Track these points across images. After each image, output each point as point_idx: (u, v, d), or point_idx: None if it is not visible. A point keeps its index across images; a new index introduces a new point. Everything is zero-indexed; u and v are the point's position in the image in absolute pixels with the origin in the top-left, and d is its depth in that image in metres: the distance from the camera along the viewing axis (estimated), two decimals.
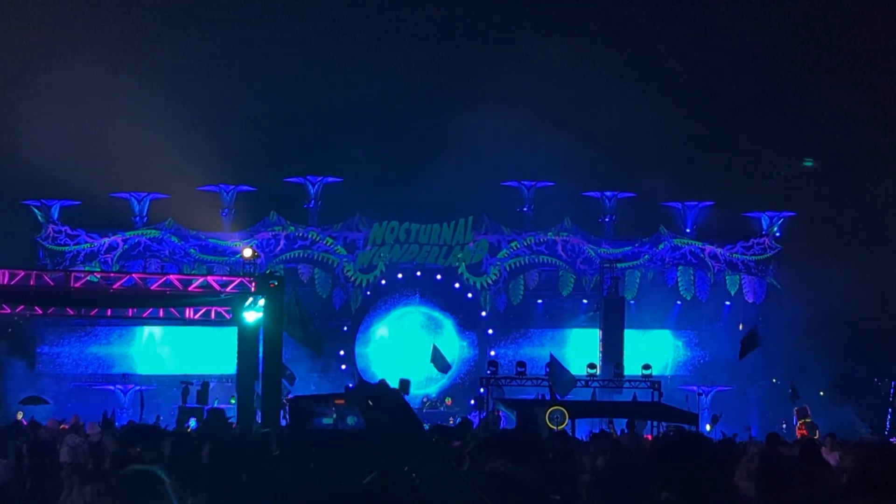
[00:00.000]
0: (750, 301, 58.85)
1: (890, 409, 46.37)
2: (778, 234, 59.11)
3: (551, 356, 45.44)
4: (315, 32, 59.37)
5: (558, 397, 43.09)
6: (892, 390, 47.52)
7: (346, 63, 59.52)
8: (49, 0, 52.27)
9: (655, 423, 39.87)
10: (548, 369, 45.35)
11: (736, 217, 59.68)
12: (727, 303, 59.14)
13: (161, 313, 40.64)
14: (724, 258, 58.84)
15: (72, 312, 41.20)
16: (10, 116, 49.18)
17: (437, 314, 58.66)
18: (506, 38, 60.94)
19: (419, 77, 59.29)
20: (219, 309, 39.09)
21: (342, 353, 57.41)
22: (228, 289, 36.55)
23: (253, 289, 36.07)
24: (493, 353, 57.23)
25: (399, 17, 60.49)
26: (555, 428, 34.50)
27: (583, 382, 46.62)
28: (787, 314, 53.71)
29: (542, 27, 59.52)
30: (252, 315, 36.40)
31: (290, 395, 42.40)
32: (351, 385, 54.03)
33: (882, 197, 53.89)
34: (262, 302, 35.55)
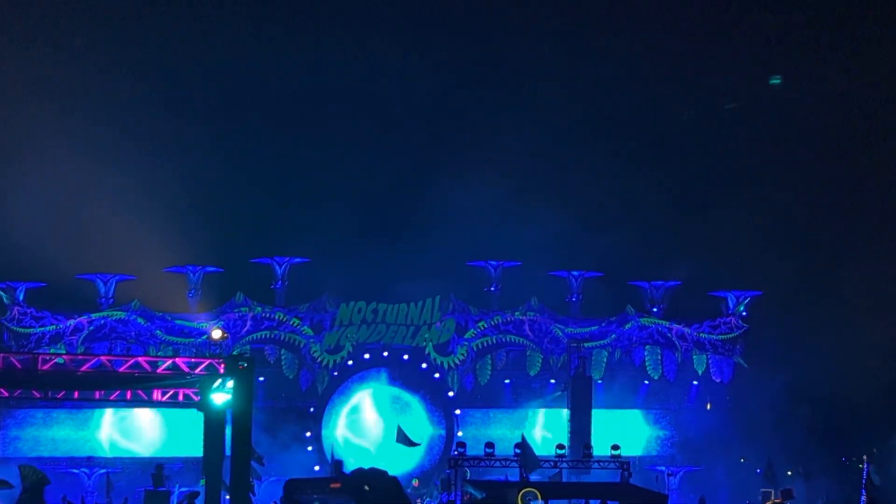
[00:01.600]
0: (717, 380, 58.94)
1: (864, 490, 46.29)
2: (744, 314, 59.35)
3: (523, 437, 45.26)
4: (282, 117, 59.75)
5: (528, 478, 42.93)
6: (864, 472, 47.51)
7: (312, 145, 59.89)
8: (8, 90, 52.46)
9: None
10: (518, 450, 45.12)
11: (702, 296, 59.94)
12: (695, 382, 59.19)
13: (128, 395, 40.34)
14: (691, 337, 58.96)
15: (38, 395, 40.76)
16: None
17: (404, 394, 58.42)
18: (472, 119, 61.34)
19: (386, 157, 59.64)
20: (186, 391, 38.85)
21: (308, 434, 57.00)
22: (197, 370, 36.40)
23: (221, 370, 35.93)
24: (460, 433, 57.04)
25: (364, 97, 60.95)
26: None
27: (551, 463, 46.41)
28: (755, 393, 53.86)
29: (507, 109, 60.03)
30: (220, 397, 36.20)
31: (261, 478, 42.14)
32: (318, 469, 53.83)
33: (848, 276, 54.40)
34: (230, 384, 35.40)
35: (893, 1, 60.10)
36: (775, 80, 60.13)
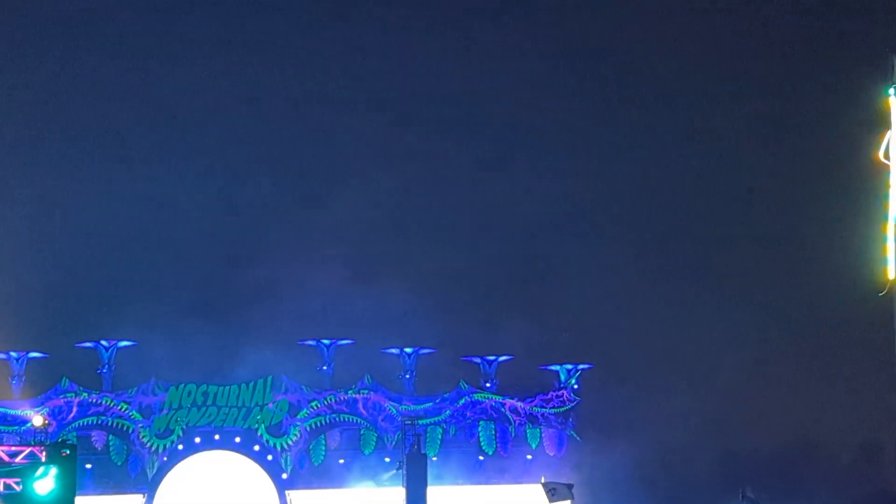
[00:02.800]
0: (551, 454, 59.29)
1: None
2: (576, 387, 59.95)
3: None
4: (100, 193, 59.03)
5: None
6: None
7: (140, 222, 59.24)
8: None
9: None
10: None
11: (534, 370, 60.46)
12: (529, 456, 59.42)
13: None
14: (524, 411, 59.30)
15: None
16: None
17: (236, 477, 57.46)
18: (303, 193, 61.26)
19: (213, 235, 59.14)
20: (7, 480, 37.63)
21: None
22: (18, 459, 35.38)
23: (44, 458, 34.98)
24: None
25: (191, 167, 60.54)
26: None
27: None
28: (589, 465, 54.28)
29: (337, 183, 60.09)
30: (44, 485, 35.16)
31: None
32: None
33: (675, 346, 55.43)
34: (53, 471, 34.44)
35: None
36: None
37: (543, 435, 59.43)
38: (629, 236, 60.16)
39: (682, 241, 61.17)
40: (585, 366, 60.40)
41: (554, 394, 59.85)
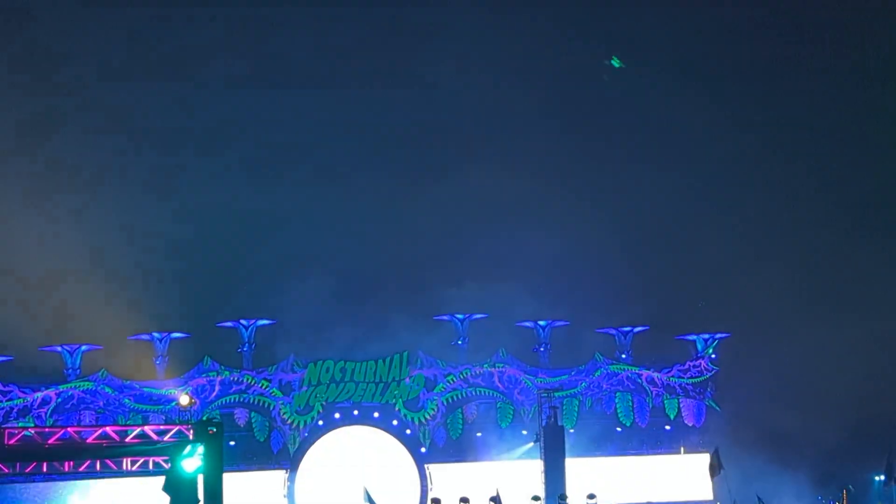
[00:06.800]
0: (690, 424, 58.97)
1: None
2: (713, 356, 59.47)
3: (496, 491, 45.04)
4: (243, 178, 59.81)
5: None
6: None
7: (271, 204, 59.96)
8: None
9: None
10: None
11: (671, 340, 60.08)
12: (667, 427, 59.15)
13: (98, 466, 39.91)
14: (661, 382, 59.04)
15: (6, 470, 40.25)
16: None
17: (375, 452, 58.08)
18: (435, 168, 61.42)
19: (347, 213, 59.65)
20: (156, 459, 38.48)
21: (284, 495, 56.62)
22: (166, 437, 36.13)
23: (191, 436, 35.67)
24: (433, 488, 56.62)
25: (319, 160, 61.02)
26: None
27: None
28: (728, 435, 53.84)
29: (470, 154, 60.05)
30: (191, 463, 35.87)
31: None
32: None
33: (816, 315, 54.65)
34: (200, 449, 35.11)
35: None
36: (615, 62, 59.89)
37: (682, 405, 59.14)
38: (766, 203, 59.27)
39: (823, 209, 60.11)
40: (723, 335, 59.91)
41: (691, 363, 59.48)
